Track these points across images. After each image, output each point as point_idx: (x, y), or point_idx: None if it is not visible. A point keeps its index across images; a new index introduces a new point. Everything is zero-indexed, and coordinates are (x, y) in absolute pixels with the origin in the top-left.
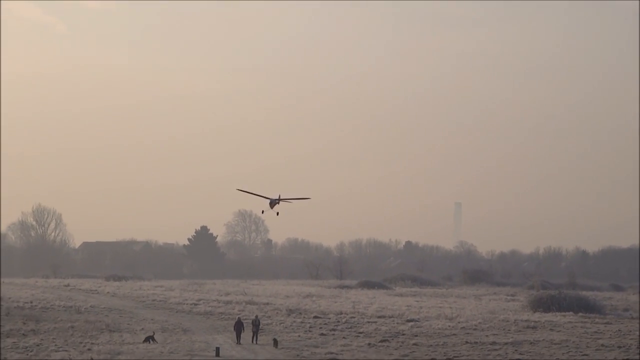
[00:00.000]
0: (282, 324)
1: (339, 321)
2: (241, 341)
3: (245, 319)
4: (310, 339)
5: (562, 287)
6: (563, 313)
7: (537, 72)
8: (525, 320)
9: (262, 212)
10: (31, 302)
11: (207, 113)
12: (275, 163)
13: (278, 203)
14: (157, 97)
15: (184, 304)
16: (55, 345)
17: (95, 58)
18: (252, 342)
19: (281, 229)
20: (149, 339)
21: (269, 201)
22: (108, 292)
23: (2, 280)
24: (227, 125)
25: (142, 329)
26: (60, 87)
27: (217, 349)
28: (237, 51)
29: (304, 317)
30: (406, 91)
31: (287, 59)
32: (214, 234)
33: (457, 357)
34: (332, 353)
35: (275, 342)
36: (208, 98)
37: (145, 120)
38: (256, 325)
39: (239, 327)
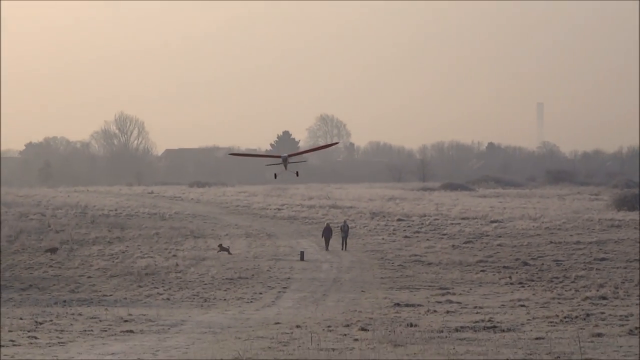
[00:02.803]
0: (365, 227)
1: (422, 223)
2: (329, 248)
3: (331, 224)
4: (394, 241)
5: None
6: None
7: None
8: (610, 219)
9: (275, 176)
10: (116, 210)
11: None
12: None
13: (286, 162)
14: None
15: (268, 209)
16: (141, 252)
17: None
18: (342, 248)
19: (363, 132)
20: (223, 249)
21: (279, 160)
22: (192, 199)
23: (87, 188)
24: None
25: (227, 234)
26: None
27: (302, 253)
28: None
29: (388, 220)
30: None
31: None
32: (296, 139)
33: (542, 256)
34: (416, 255)
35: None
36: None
37: (228, 26)
38: (345, 231)
39: (327, 233)
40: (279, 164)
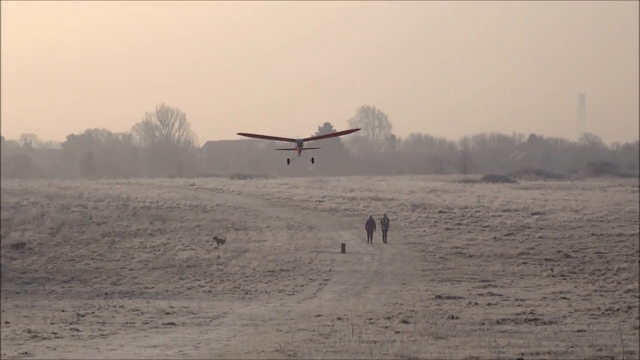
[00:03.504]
0: (407, 219)
1: (464, 215)
2: (372, 240)
3: (373, 216)
4: (435, 233)
5: None
6: None
7: None
8: None
9: (288, 161)
10: (157, 202)
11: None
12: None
13: (300, 147)
14: None
15: (309, 201)
16: (182, 244)
17: None
18: (383, 241)
19: (404, 124)
20: (219, 240)
21: (294, 144)
22: (233, 191)
23: (128, 180)
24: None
25: (268, 226)
26: None
27: (343, 245)
28: None
29: (429, 212)
30: None
31: None
32: (337, 131)
33: (584, 249)
34: (457, 247)
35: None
36: None
37: (266, 16)
38: (385, 224)
39: (370, 226)
40: (292, 149)
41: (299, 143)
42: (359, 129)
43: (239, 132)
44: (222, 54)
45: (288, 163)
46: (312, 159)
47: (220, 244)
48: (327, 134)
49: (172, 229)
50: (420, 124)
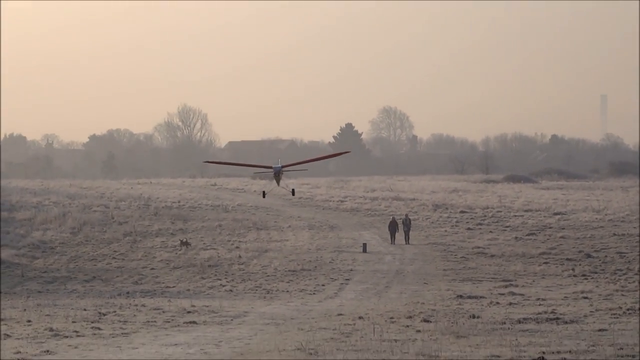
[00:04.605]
0: (428, 219)
1: (485, 215)
2: (395, 242)
3: (396, 217)
4: (456, 233)
5: None
6: None
7: None
8: None
9: (264, 195)
10: (179, 202)
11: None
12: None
13: (281, 174)
14: None
15: (330, 201)
16: (204, 243)
17: None
18: (406, 242)
19: (426, 124)
20: (184, 244)
21: (270, 171)
22: (254, 191)
23: (150, 180)
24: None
25: (289, 226)
26: None
27: (364, 245)
28: None
29: (450, 212)
30: None
31: None
32: (359, 131)
33: (605, 249)
34: (479, 247)
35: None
36: None
37: (288, 15)
38: (407, 225)
39: (393, 227)
40: (267, 172)
41: (277, 171)
42: (348, 152)
43: (205, 160)
44: (244, 53)
45: (264, 197)
46: (293, 190)
47: (186, 247)
48: (310, 159)
49: (194, 228)
50: (441, 124)
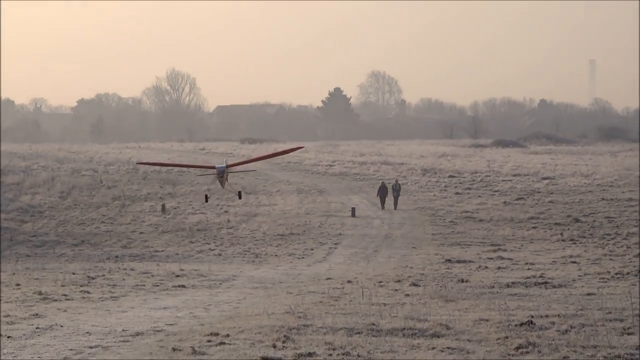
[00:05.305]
0: (417, 184)
1: (474, 180)
2: (385, 206)
3: (382, 180)
4: (445, 197)
5: None
6: None
7: None
8: None
9: (206, 198)
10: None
11: None
12: (407, 22)
13: (226, 175)
14: None
15: (319, 165)
16: (192, 208)
17: None
18: (395, 207)
19: (415, 89)
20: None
21: (213, 172)
22: (243, 155)
23: (138, 145)
24: None
25: (278, 190)
26: None
27: (353, 209)
28: None
29: (439, 177)
30: None
31: None
32: (348, 96)
33: (593, 213)
34: (467, 212)
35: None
36: None
37: None
38: (397, 190)
39: (382, 192)
40: (211, 174)
41: (220, 171)
42: (302, 147)
43: (138, 161)
44: (231, 15)
45: (206, 201)
46: (240, 192)
47: (163, 212)
48: (258, 157)
49: (182, 193)
50: (430, 89)
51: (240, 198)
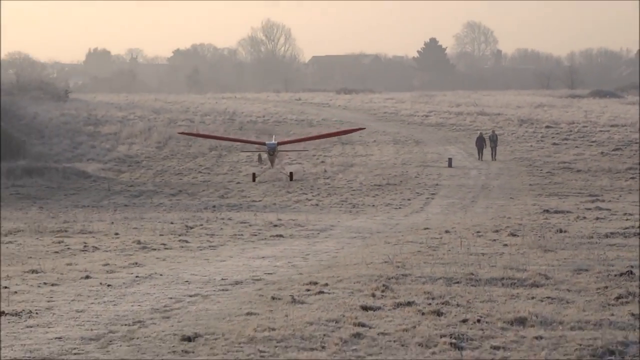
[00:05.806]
0: (513, 134)
1: (571, 130)
2: (483, 158)
3: (479, 131)
4: (542, 148)
5: None
6: None
7: None
8: None
9: (254, 178)
10: (263, 117)
11: None
12: None
13: (276, 153)
14: None
15: (415, 115)
16: (289, 158)
17: None
18: (492, 158)
19: (511, 39)
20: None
21: (263, 149)
22: (339, 105)
23: (234, 95)
24: None
25: (374, 140)
26: None
27: (450, 160)
28: None
29: (536, 127)
30: None
31: None
32: (443, 46)
33: None
34: (564, 162)
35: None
36: None
37: None
38: (494, 140)
39: (480, 142)
40: (261, 151)
41: (271, 148)
42: (363, 128)
43: (179, 131)
44: None
45: (254, 180)
46: (291, 174)
47: (260, 162)
48: (314, 136)
49: None
50: (526, 39)
51: (291, 180)
